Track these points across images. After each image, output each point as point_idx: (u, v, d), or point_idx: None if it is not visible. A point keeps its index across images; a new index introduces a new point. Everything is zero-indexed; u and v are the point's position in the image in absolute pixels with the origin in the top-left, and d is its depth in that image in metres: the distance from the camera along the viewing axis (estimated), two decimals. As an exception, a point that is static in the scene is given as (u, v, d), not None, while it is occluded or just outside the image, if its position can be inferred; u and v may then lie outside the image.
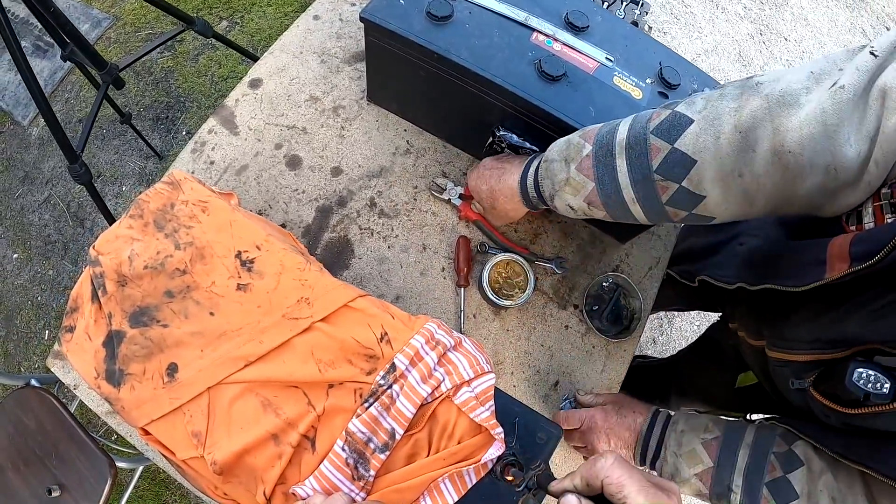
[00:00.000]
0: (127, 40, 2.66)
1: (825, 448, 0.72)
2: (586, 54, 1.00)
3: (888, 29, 3.36)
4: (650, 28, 2.02)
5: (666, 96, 1.00)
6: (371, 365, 0.79)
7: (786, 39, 3.23)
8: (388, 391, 0.77)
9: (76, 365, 0.81)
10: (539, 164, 0.88)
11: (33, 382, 1.42)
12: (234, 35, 2.66)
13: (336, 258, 1.09)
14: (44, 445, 1.34)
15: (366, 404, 0.76)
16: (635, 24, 1.94)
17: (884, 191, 0.66)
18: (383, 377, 0.77)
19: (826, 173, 0.63)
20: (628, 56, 1.03)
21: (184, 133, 2.44)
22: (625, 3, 2.00)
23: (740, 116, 0.66)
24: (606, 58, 1.00)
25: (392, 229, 1.13)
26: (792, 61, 3.15)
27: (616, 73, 1.00)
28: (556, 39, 1.00)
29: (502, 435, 0.77)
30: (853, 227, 0.71)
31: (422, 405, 0.77)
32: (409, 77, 1.05)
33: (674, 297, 1.39)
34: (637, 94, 0.99)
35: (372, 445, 0.75)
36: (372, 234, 1.12)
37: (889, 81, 0.60)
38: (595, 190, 0.79)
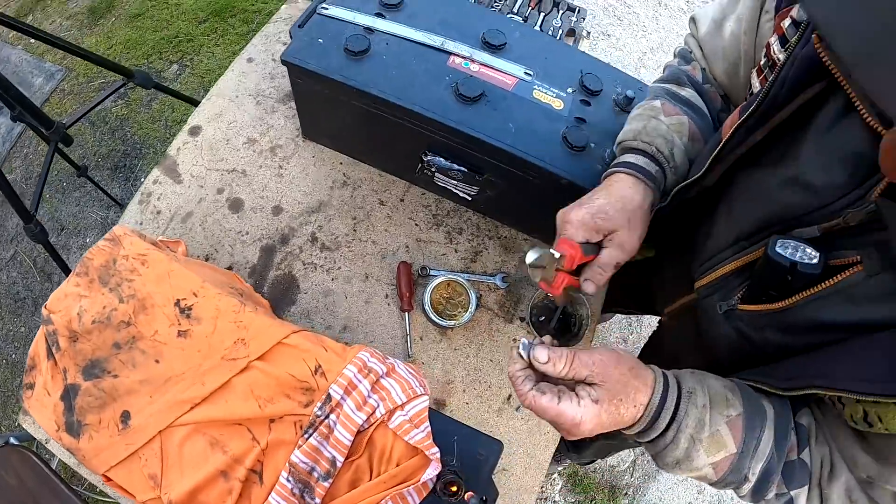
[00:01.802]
0: (80, 91, 2.75)
1: (772, 387, 0.70)
2: (504, 71, 1.08)
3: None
4: (588, 33, 2.11)
5: (588, 104, 1.08)
6: (308, 397, 0.86)
7: None
8: (326, 421, 0.84)
9: (39, 420, 0.89)
10: (635, 143, 0.91)
11: (12, 440, 1.48)
12: (185, 77, 2.76)
13: (283, 295, 1.16)
14: (26, 503, 1.40)
15: (306, 435, 0.83)
16: (573, 31, 2.04)
17: (762, 61, 0.78)
18: (320, 408, 0.84)
19: (724, 58, 0.90)
20: (548, 68, 1.11)
21: (142, 180, 2.52)
22: (561, 12, 2.10)
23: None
24: (525, 73, 1.08)
25: (334, 262, 1.20)
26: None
27: (536, 86, 1.08)
28: (473, 60, 1.08)
29: (438, 455, 0.84)
30: None
31: (359, 432, 0.85)
32: (337, 112, 1.13)
33: (619, 297, 1.46)
34: (558, 104, 1.07)
35: (315, 474, 0.82)
36: (315, 268, 1.19)
37: None
38: (689, 121, 0.91)
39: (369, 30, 1.08)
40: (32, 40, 2.82)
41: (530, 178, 1.04)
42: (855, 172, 0.62)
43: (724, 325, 0.81)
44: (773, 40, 0.75)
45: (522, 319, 1.19)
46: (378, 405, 0.86)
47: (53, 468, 1.40)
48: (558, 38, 2.02)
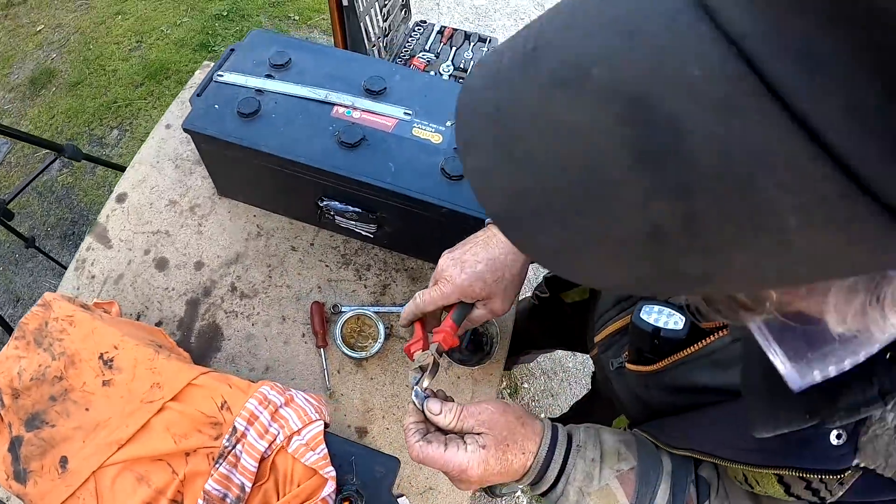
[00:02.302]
0: (26, 163, 2.99)
1: (662, 443, 0.75)
2: (385, 114, 1.28)
3: None
4: None
5: (468, 135, 1.28)
6: (217, 431, 1.05)
7: None
8: (233, 451, 1.03)
9: None
10: None
11: None
12: (125, 142, 3.02)
13: (209, 343, 1.35)
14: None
15: (216, 465, 1.02)
16: None
17: None
18: (227, 439, 1.03)
19: None
20: (428, 105, 1.30)
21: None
22: (472, 44, 2.33)
23: None
24: (405, 113, 1.28)
25: (253, 308, 1.40)
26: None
27: (415, 124, 1.27)
28: (355, 108, 1.28)
29: (333, 473, 1.03)
30: None
31: (263, 458, 1.04)
32: (241, 170, 1.34)
33: (544, 333, 1.63)
34: (437, 138, 1.26)
35: (228, 500, 1.01)
36: (237, 315, 1.39)
37: None
38: None
39: (260, 91, 1.29)
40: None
41: (417, 211, 1.23)
42: None
43: (618, 381, 0.91)
44: None
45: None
46: (278, 433, 1.05)
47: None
48: (470, 70, 2.24)
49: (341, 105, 1.28)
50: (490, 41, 2.39)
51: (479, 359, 1.33)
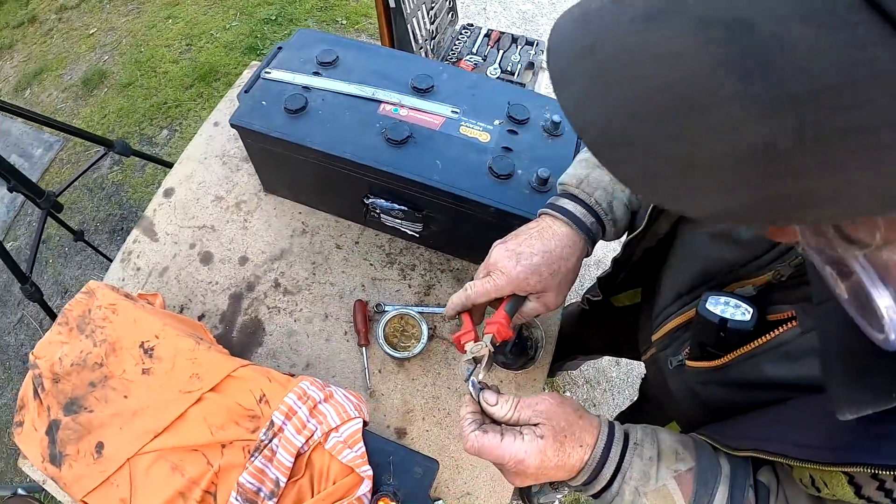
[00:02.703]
0: (77, 160, 3.06)
1: (722, 445, 0.72)
2: (432, 112, 1.26)
3: None
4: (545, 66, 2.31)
5: (515, 133, 1.25)
6: (254, 424, 1.04)
7: None
8: (269, 445, 1.02)
9: (27, 452, 1.09)
10: (576, 190, 0.94)
11: (20, 491, 1.69)
12: (174, 142, 3.07)
13: (250, 338, 1.35)
14: (34, 551, 1.60)
15: (252, 458, 1.01)
16: (532, 64, 2.25)
17: None
18: (264, 433, 1.02)
19: None
20: (475, 104, 1.29)
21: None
22: (519, 47, 2.32)
23: None
24: (452, 111, 1.27)
25: (296, 304, 1.39)
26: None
27: (463, 122, 1.26)
28: (402, 106, 1.27)
29: (369, 472, 1.01)
30: None
31: (299, 454, 1.02)
32: (287, 166, 1.33)
33: (593, 338, 1.60)
34: (484, 137, 1.24)
35: (262, 494, 1.00)
36: (279, 311, 1.38)
37: None
38: None
39: (307, 88, 1.29)
40: (29, 114, 3.17)
41: (464, 210, 1.21)
42: None
43: (676, 379, 0.88)
44: None
45: (476, 345, 1.35)
46: (316, 429, 1.03)
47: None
48: (517, 72, 2.22)
49: (388, 102, 1.27)
50: (537, 44, 2.37)
51: (524, 363, 1.30)
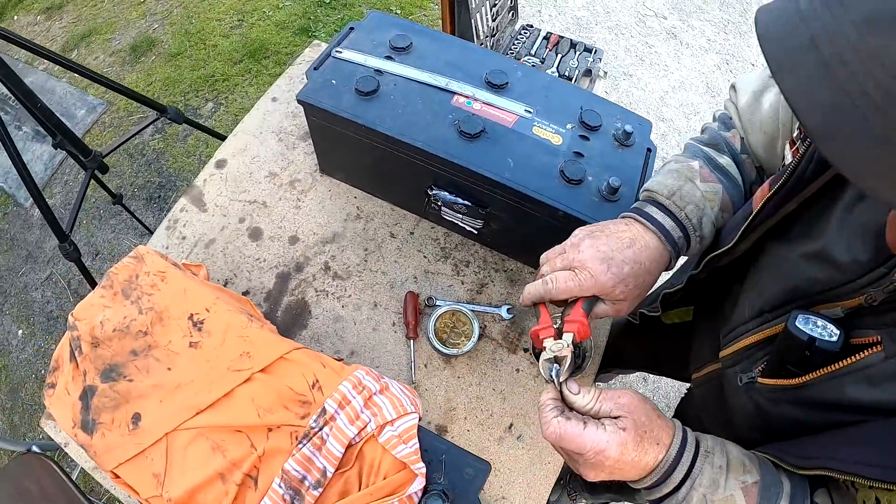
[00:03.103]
0: (120, 124, 3.04)
1: (785, 463, 0.72)
2: (505, 109, 1.22)
3: None
4: (605, 73, 2.26)
5: (587, 139, 1.21)
6: (305, 410, 1.00)
7: (753, 65, 3.54)
8: (320, 433, 0.97)
9: (57, 416, 1.04)
10: (668, 202, 0.93)
11: (34, 448, 1.66)
12: (219, 115, 3.04)
13: (295, 319, 1.31)
14: (45, 509, 1.56)
15: (300, 445, 0.96)
16: (589, 71, 2.20)
17: (795, 133, 0.87)
18: (315, 420, 0.97)
19: (761, 130, 0.94)
20: (548, 106, 1.25)
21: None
22: (578, 53, 2.27)
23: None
24: (525, 110, 1.22)
25: (345, 290, 1.34)
26: (763, 86, 3.47)
27: (535, 123, 1.21)
28: (475, 99, 1.22)
29: (423, 470, 0.96)
30: None
31: (350, 445, 0.98)
32: (350, 149, 1.29)
33: (634, 352, 1.55)
34: (556, 139, 1.20)
35: (307, 483, 0.95)
36: (327, 295, 1.34)
37: None
38: (724, 191, 0.96)
39: (379, 71, 1.24)
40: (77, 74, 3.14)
41: (530, 211, 1.17)
42: (879, 250, 0.64)
43: (743, 397, 0.86)
44: None
45: (526, 350, 1.30)
46: (370, 420, 0.99)
47: (74, 479, 1.56)
48: (574, 78, 2.17)
49: (462, 95, 1.23)
50: (595, 51, 2.32)
51: (571, 372, 1.25)
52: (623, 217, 0.96)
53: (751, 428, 0.87)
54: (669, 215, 0.92)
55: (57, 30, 3.51)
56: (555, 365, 0.81)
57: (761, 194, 0.84)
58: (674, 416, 1.45)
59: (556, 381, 0.77)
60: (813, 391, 0.71)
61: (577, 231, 0.92)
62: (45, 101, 1.67)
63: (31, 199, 2.82)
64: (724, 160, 0.98)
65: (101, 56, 3.35)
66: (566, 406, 0.76)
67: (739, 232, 0.87)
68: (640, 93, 3.26)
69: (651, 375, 2.48)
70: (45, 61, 3.30)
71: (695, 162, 0.97)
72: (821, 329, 0.68)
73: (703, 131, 1.07)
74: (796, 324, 0.69)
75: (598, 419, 0.72)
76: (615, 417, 0.72)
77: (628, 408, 0.72)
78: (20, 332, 2.62)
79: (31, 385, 2.50)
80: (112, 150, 1.88)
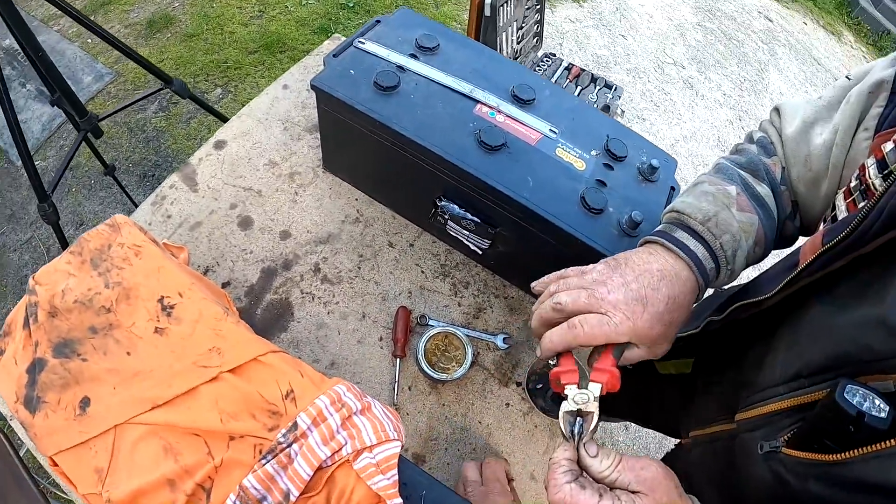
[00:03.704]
0: (125, 97, 2.93)
1: None
2: (529, 126, 1.12)
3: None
4: (622, 112, 2.19)
5: (611, 168, 1.12)
6: (274, 421, 0.87)
7: None
8: (287, 450, 0.85)
9: (0, 387, 0.91)
10: (701, 228, 0.84)
11: None
12: (226, 102, 2.94)
13: (275, 320, 1.19)
14: (-16, 485, 1.42)
15: (263, 461, 0.84)
16: (607, 107, 2.12)
17: (853, 183, 0.76)
18: (284, 435, 0.85)
19: (806, 165, 0.86)
20: (574, 129, 1.15)
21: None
22: (598, 87, 2.19)
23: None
24: (550, 130, 1.13)
25: (333, 296, 1.23)
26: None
27: (559, 144, 1.12)
28: (499, 111, 1.13)
29: (400, 504, 0.84)
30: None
31: (320, 467, 0.85)
32: (359, 145, 1.19)
33: (621, 400, 1.45)
34: (580, 165, 1.10)
35: None
36: (313, 298, 1.22)
37: (853, 92, 0.81)
38: (759, 223, 0.87)
39: (401, 68, 1.15)
40: (89, 39, 3.04)
41: (542, 236, 1.07)
42: None
43: (761, 465, 0.78)
44: (870, 163, 0.72)
45: (519, 384, 1.19)
46: (346, 443, 0.86)
47: (21, 455, 1.43)
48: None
49: (486, 104, 1.13)
50: (616, 89, 2.24)
51: (594, 430, 1.15)
52: (646, 243, 0.86)
53: (765, 500, 0.78)
54: (703, 243, 0.82)
55: (77, -7, 3.41)
56: (578, 419, 0.70)
57: (812, 247, 0.74)
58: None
59: (576, 439, 0.67)
60: (851, 470, 0.63)
61: (597, 266, 0.81)
62: (53, 60, 1.56)
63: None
64: (763, 189, 0.89)
65: (117, 26, 3.25)
66: (581, 469, 0.66)
67: (781, 284, 0.77)
68: (652, 138, 3.12)
69: (633, 424, 2.38)
70: (60, 23, 3.26)
71: (732, 187, 0.87)
72: (868, 403, 0.61)
73: (737, 151, 0.97)
74: (845, 394, 0.61)
75: (613, 489, 0.63)
76: (633, 492, 0.62)
77: (650, 484, 0.63)
78: (-12, 291, 2.48)
79: (-7, 349, 2.36)
80: (109, 115, 1.77)
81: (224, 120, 2.07)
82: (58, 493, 1.83)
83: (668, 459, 1.33)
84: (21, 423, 0.89)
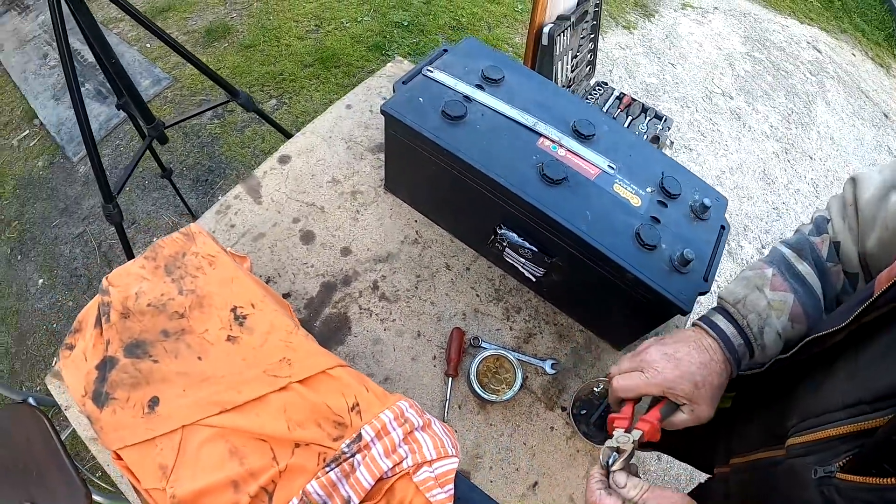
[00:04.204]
0: (181, 101, 3.03)
1: None
2: (589, 161, 1.16)
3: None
4: (671, 143, 2.21)
5: (665, 205, 1.15)
6: (339, 431, 0.93)
7: (811, 158, 3.52)
8: (351, 459, 0.90)
9: (68, 380, 0.98)
10: (732, 309, 0.95)
11: (30, 401, 1.60)
12: (280, 114, 3.03)
13: (333, 333, 1.25)
14: (27, 462, 1.49)
15: (327, 468, 0.89)
16: (657, 138, 2.15)
17: None
18: (348, 445, 0.91)
19: (884, 226, 0.87)
20: (631, 165, 1.19)
21: (220, 197, 2.74)
22: (648, 118, 2.22)
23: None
24: (609, 165, 1.17)
25: (390, 313, 1.28)
26: (816, 180, 3.44)
27: (617, 180, 1.16)
28: (561, 145, 1.17)
29: (456, 519, 0.89)
30: None
31: (381, 478, 0.90)
32: (423, 170, 1.24)
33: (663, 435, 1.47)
34: (636, 201, 1.14)
35: (327, 509, 0.88)
36: (370, 314, 1.28)
37: None
38: (795, 300, 0.93)
39: (468, 98, 1.20)
40: (148, 44, 3.15)
41: (596, 268, 1.11)
42: None
43: (813, 491, 0.79)
44: None
45: (564, 409, 1.23)
46: (407, 456, 0.92)
47: (62, 439, 1.49)
48: (642, 143, 2.14)
49: (548, 138, 1.18)
50: (665, 120, 2.27)
51: (605, 438, 1.18)
52: (694, 325, 0.97)
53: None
54: (732, 322, 0.93)
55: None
56: (615, 453, 0.84)
57: (888, 276, 0.77)
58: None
59: (609, 468, 0.81)
60: None
61: (649, 349, 0.94)
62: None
63: (81, 154, 2.84)
64: (803, 267, 0.95)
65: (176, 33, 3.36)
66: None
67: (855, 314, 0.80)
68: (698, 168, 3.22)
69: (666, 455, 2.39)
70: (120, 26, 3.38)
71: (769, 269, 0.95)
72: None
73: (796, 231, 1.03)
74: None
75: None
76: None
77: None
78: (41, 280, 2.58)
79: (40, 335, 2.45)
80: (176, 123, 1.85)
81: (286, 134, 2.15)
82: (95, 479, 1.91)
83: (698, 492, 1.35)
84: (87, 415, 0.95)
